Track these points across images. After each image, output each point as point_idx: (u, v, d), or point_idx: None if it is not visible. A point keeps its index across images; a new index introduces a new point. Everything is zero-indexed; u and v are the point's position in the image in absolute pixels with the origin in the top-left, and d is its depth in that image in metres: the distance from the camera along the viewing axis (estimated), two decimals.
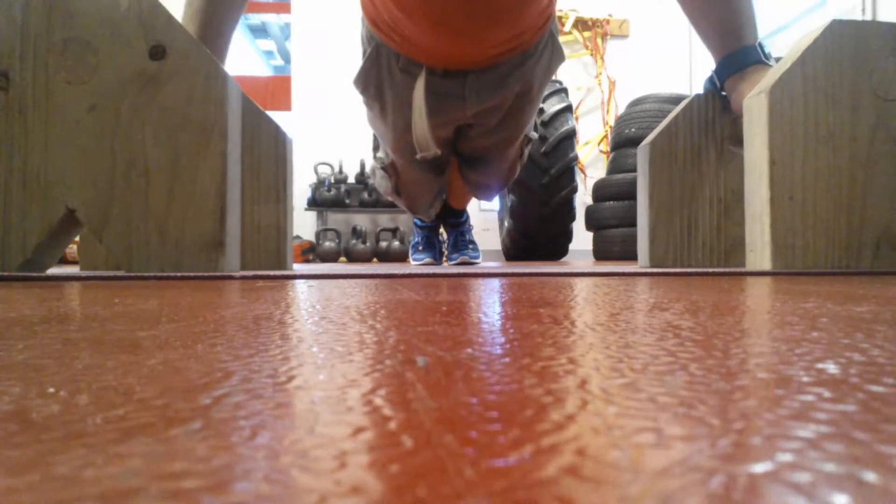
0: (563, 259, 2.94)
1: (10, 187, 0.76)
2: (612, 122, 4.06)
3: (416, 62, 1.18)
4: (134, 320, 0.28)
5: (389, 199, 1.57)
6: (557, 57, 1.27)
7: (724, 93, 1.00)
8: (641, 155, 1.06)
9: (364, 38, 1.25)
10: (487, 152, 1.39)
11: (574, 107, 3.50)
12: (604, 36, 4.33)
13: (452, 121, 1.27)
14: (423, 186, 1.48)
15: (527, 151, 1.47)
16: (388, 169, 1.45)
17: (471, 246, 1.77)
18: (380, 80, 1.23)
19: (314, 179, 4.05)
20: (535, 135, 1.46)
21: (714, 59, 0.97)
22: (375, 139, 1.53)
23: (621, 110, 3.27)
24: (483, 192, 1.58)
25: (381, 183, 1.53)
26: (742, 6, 0.93)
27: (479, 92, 1.21)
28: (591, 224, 3.09)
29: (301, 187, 3.93)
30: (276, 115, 1.16)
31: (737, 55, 0.93)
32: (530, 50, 1.20)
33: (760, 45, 0.93)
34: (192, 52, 0.78)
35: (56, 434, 0.10)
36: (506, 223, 2.94)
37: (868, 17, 3.15)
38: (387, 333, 0.23)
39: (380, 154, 1.51)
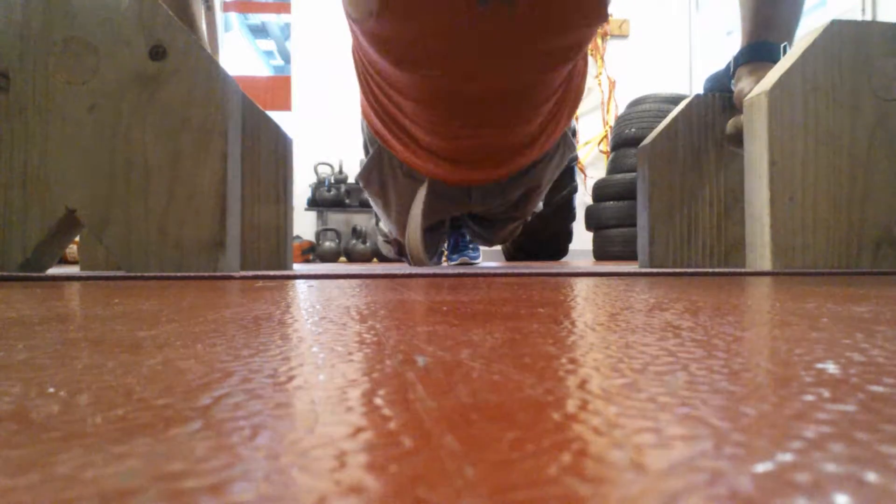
0: (563, 259, 2.94)
1: (10, 187, 0.76)
2: (612, 122, 4.06)
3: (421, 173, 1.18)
4: (134, 320, 0.28)
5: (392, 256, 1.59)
6: (569, 151, 1.26)
7: (732, 81, 0.99)
8: (641, 155, 1.06)
9: (365, 132, 1.24)
10: (492, 225, 1.40)
11: None
12: (604, 36, 4.33)
13: (454, 213, 1.27)
14: (428, 248, 1.49)
15: (529, 218, 1.47)
16: (392, 242, 1.46)
17: (471, 246, 1.78)
18: (383, 179, 1.23)
19: (314, 179, 4.05)
20: (540, 206, 1.47)
21: (741, 45, 0.97)
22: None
23: (621, 110, 3.27)
24: (479, 241, 1.59)
25: (384, 246, 1.55)
26: (782, 5, 0.92)
27: (485, 196, 1.21)
28: (591, 224, 3.09)
29: (301, 187, 3.93)
30: (276, 115, 1.16)
31: (755, 47, 0.93)
32: (539, 157, 1.19)
33: (784, 48, 0.91)
34: (192, 52, 0.78)
35: (56, 434, 0.10)
36: None
37: (868, 17, 3.15)
38: (387, 333, 0.23)
39: (382, 227, 1.52)
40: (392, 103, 1.06)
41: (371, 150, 1.22)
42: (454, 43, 0.92)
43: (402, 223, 1.27)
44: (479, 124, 1.03)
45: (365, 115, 1.19)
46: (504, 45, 0.92)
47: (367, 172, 1.24)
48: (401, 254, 1.51)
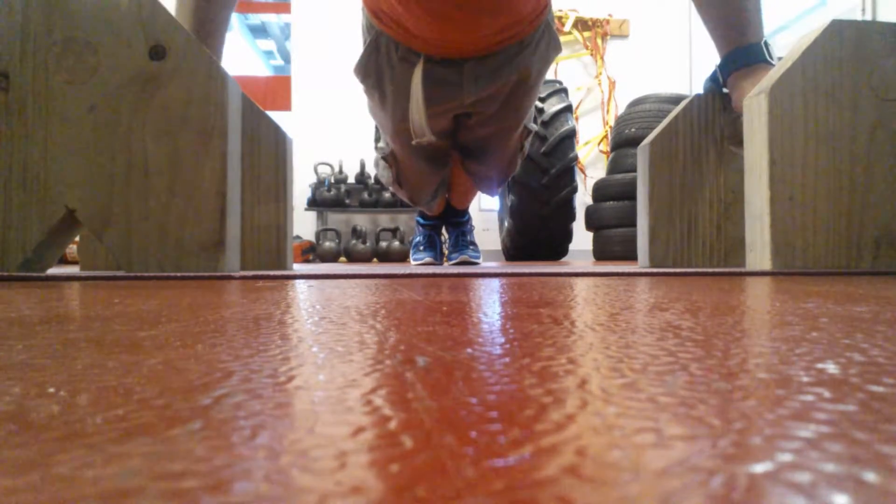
0: (563, 259, 2.94)
1: (10, 187, 0.76)
2: (612, 122, 4.06)
3: (415, 51, 1.20)
4: (134, 320, 0.28)
5: (392, 189, 1.59)
6: (554, 47, 1.28)
7: (725, 90, 1.00)
8: (641, 155, 1.06)
9: (364, 27, 1.27)
10: (487, 142, 1.40)
11: (574, 107, 3.50)
12: (604, 36, 4.33)
13: (451, 109, 1.28)
14: (424, 177, 1.49)
15: (527, 144, 1.48)
16: (389, 159, 1.47)
17: (472, 246, 1.78)
18: (379, 68, 1.25)
19: (314, 179, 4.05)
20: (534, 127, 1.47)
21: (719, 55, 0.97)
22: (377, 130, 1.55)
23: (621, 110, 3.27)
24: (485, 185, 1.58)
25: (382, 173, 1.54)
26: (749, 4, 0.93)
27: (477, 79, 1.22)
28: (591, 224, 3.09)
29: (301, 187, 3.92)
30: (276, 115, 1.16)
31: (740, 52, 0.93)
32: (527, 39, 1.22)
33: (766, 44, 0.92)
34: (192, 52, 0.78)
35: (56, 434, 0.10)
36: (506, 223, 2.94)
37: (868, 17, 3.15)
38: (387, 333, 0.23)
39: (381, 144, 1.53)
40: None
41: (369, 39, 1.23)
42: None
43: (397, 112, 1.28)
44: None
45: None
46: None
47: (363, 62, 1.26)
48: (399, 182, 1.51)
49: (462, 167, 1.52)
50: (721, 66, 0.97)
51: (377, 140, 1.59)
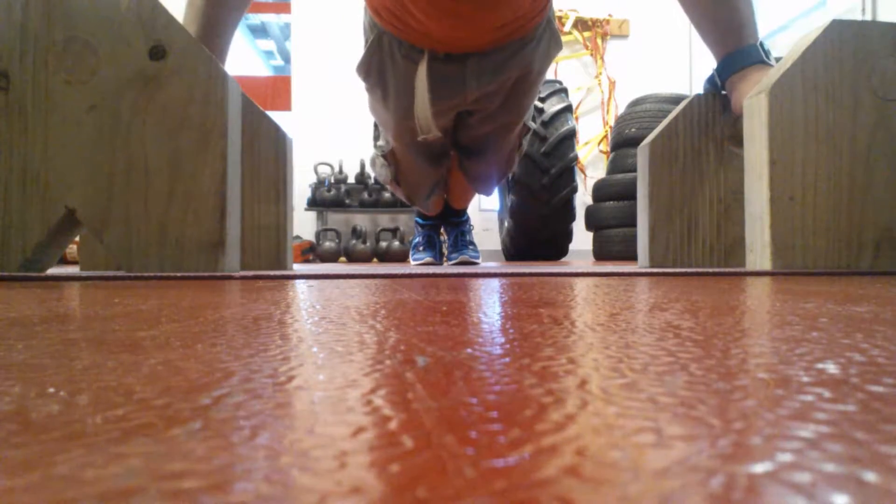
0: (563, 259, 2.94)
1: (10, 187, 0.76)
2: (612, 122, 4.06)
3: (418, 48, 1.20)
4: (134, 320, 0.28)
5: (389, 188, 1.59)
6: (555, 44, 1.29)
7: (724, 92, 1.00)
8: (641, 155, 1.06)
9: (366, 26, 1.27)
10: (487, 140, 1.40)
11: (574, 107, 3.50)
12: (604, 36, 4.33)
13: (453, 106, 1.29)
14: (422, 176, 1.50)
15: (525, 142, 1.48)
16: (388, 157, 1.47)
17: (471, 246, 1.78)
18: (382, 66, 1.25)
19: (314, 179, 4.05)
20: (532, 125, 1.47)
21: (715, 59, 0.98)
22: (376, 128, 1.55)
23: (621, 110, 3.27)
24: (482, 184, 1.58)
25: (381, 171, 1.54)
26: (741, 5, 0.93)
27: (480, 76, 1.23)
28: (591, 224, 3.09)
29: (301, 187, 3.92)
30: (276, 115, 1.16)
31: (737, 55, 0.93)
32: (528, 35, 1.22)
33: (761, 45, 0.93)
34: (192, 52, 0.78)
35: (56, 434, 0.10)
36: (506, 223, 2.94)
37: (868, 17, 3.15)
38: (387, 333, 0.23)
39: (380, 143, 1.53)
40: None
41: (371, 38, 1.23)
42: None
43: (400, 110, 1.28)
44: None
45: None
46: None
47: (365, 61, 1.26)
48: (397, 180, 1.51)
49: (460, 167, 1.52)
50: (719, 70, 0.97)
51: (376, 139, 1.59)
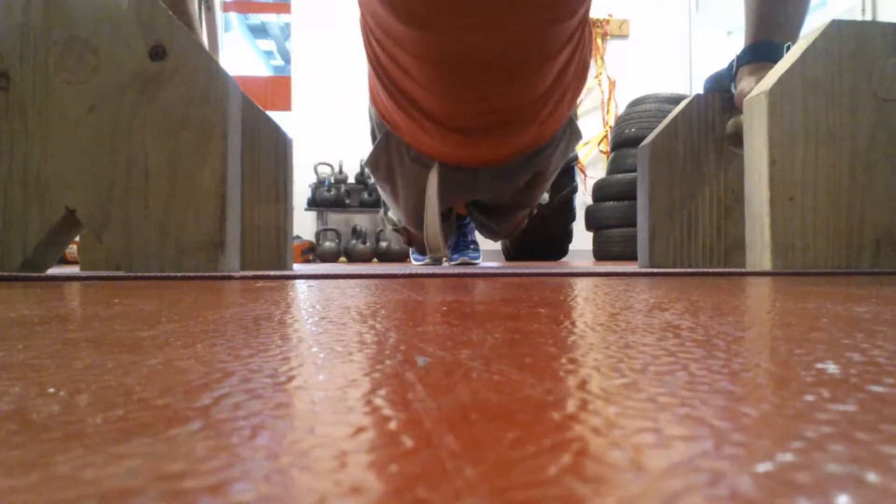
0: (563, 259, 2.94)
1: (10, 187, 0.76)
2: (612, 122, 4.06)
3: (428, 155, 1.18)
4: (134, 320, 0.28)
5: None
6: (575, 138, 1.26)
7: (730, 85, 1.00)
8: (641, 155, 1.06)
9: (372, 118, 1.24)
10: (498, 211, 1.40)
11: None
12: (604, 36, 4.33)
13: (463, 200, 1.28)
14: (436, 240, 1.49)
15: (535, 210, 1.47)
16: (401, 230, 1.46)
17: (472, 246, 1.78)
18: (390, 165, 1.23)
19: (314, 179, 4.05)
20: (546, 198, 1.46)
21: (744, 45, 0.97)
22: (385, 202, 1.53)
23: (621, 110, 3.27)
24: (486, 232, 1.58)
25: (392, 235, 1.56)
26: (786, 5, 0.92)
27: (492, 182, 1.21)
28: (591, 224, 3.09)
29: (301, 187, 3.92)
30: (276, 115, 1.16)
31: (757, 47, 0.93)
32: (547, 141, 1.19)
33: (788, 47, 0.91)
34: (192, 52, 0.78)
35: (56, 434, 0.10)
36: None
37: (868, 17, 3.15)
38: (387, 334, 0.23)
39: (391, 216, 1.52)
40: (399, 68, 1.06)
41: (379, 136, 1.22)
42: None
43: (409, 210, 1.27)
44: (485, 84, 1.03)
45: (372, 96, 1.19)
46: None
47: (374, 158, 1.24)
48: (409, 243, 1.51)
49: (466, 210, 1.51)
50: (739, 56, 0.97)
51: (387, 208, 1.58)
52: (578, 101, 1.23)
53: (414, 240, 1.49)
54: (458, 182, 1.20)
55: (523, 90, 1.04)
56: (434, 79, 1.02)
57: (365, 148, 3.74)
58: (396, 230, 1.49)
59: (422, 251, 1.57)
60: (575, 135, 1.25)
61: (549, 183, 1.34)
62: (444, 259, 1.78)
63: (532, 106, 1.07)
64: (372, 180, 3.84)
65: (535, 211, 1.49)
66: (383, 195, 1.38)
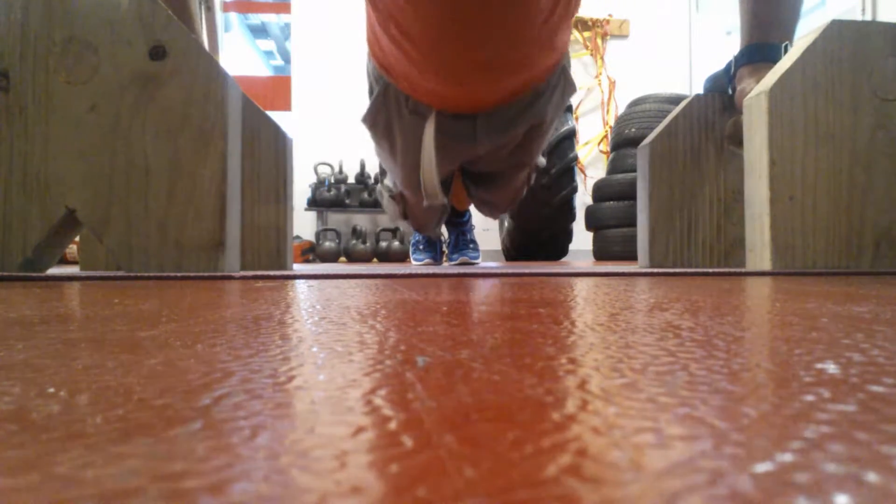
0: (563, 259, 2.94)
1: (10, 187, 0.76)
2: (612, 122, 4.06)
3: (426, 104, 1.17)
4: (134, 320, 0.28)
5: (397, 223, 1.58)
6: (569, 89, 1.25)
7: (729, 85, 0.99)
8: (641, 155, 1.06)
9: (370, 73, 1.24)
10: (494, 176, 1.39)
11: (574, 107, 3.50)
12: (604, 36, 4.33)
13: (462, 158, 1.27)
14: (431, 211, 1.48)
15: (533, 177, 1.47)
16: (397, 197, 1.46)
17: (471, 245, 1.78)
18: (388, 119, 1.22)
19: (314, 179, 4.05)
20: (543, 161, 1.46)
21: (741, 46, 0.97)
22: (383, 168, 1.53)
23: (621, 110, 3.27)
24: (486, 209, 1.58)
25: (388, 207, 1.54)
26: (781, 5, 0.92)
27: (490, 132, 1.20)
28: (591, 224, 3.09)
29: (301, 187, 3.92)
30: (276, 115, 1.16)
31: (755, 48, 0.93)
32: (542, 87, 1.19)
33: (786, 47, 0.92)
34: (192, 52, 0.78)
35: (56, 434, 0.10)
36: (506, 223, 2.94)
37: (868, 17, 3.15)
38: (387, 334, 0.23)
39: (387, 182, 1.51)
40: (394, 1, 1.05)
41: (376, 89, 1.21)
42: None
43: (408, 164, 1.26)
44: (482, 9, 1.01)
45: (370, 42, 1.18)
46: None
47: (372, 113, 1.23)
48: (405, 215, 1.50)
49: (465, 188, 1.51)
50: (736, 57, 0.97)
51: (383, 176, 1.57)
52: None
53: (410, 211, 1.48)
54: (457, 133, 1.20)
55: (522, 16, 1.03)
56: (430, 6, 1.01)
57: (365, 148, 3.73)
58: (392, 197, 1.47)
59: (416, 225, 1.55)
60: (569, 85, 1.25)
61: (545, 139, 1.33)
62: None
63: (530, 29, 1.05)
64: (372, 180, 3.85)
65: (533, 180, 1.47)
66: (381, 156, 1.36)
